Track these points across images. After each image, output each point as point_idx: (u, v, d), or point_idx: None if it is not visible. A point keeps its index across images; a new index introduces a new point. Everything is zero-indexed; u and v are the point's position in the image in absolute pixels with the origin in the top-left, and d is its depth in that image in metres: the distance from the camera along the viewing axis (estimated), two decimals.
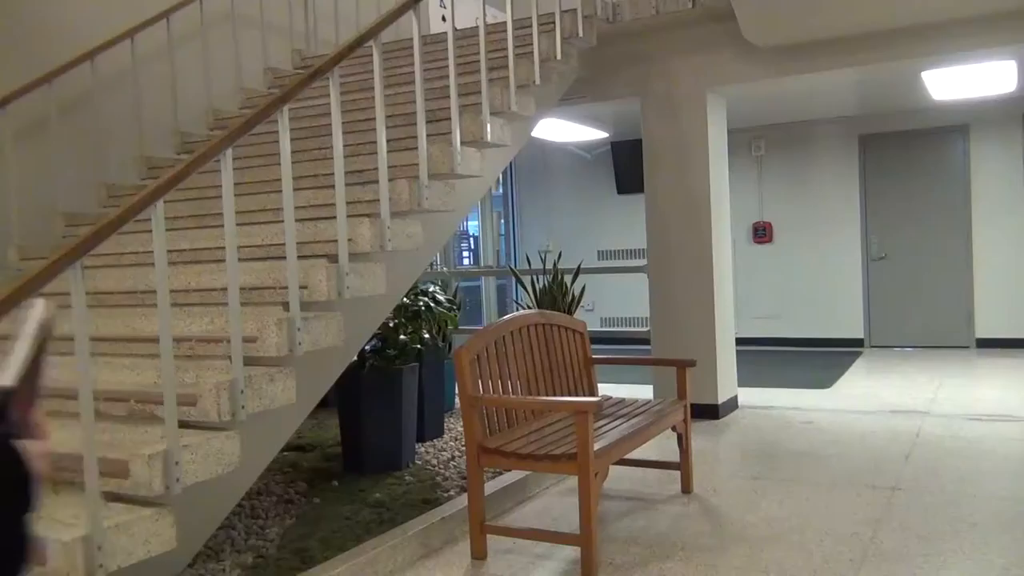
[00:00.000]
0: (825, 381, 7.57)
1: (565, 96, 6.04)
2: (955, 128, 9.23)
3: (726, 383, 6.48)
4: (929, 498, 4.21)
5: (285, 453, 5.14)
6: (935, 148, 9.38)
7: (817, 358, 9.06)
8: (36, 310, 1.56)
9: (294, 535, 3.72)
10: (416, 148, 3.93)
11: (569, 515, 4.17)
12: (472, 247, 11.15)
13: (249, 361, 3.11)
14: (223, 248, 3.28)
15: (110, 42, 5.02)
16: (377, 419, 4.72)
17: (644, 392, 6.93)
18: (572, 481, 4.65)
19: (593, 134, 9.57)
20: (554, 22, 5.09)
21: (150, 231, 2.81)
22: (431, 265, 8.32)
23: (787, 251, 9.91)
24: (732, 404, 6.58)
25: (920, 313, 9.48)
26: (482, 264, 10.91)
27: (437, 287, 5.97)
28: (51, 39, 5.01)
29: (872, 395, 6.96)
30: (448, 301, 5.83)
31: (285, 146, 3.23)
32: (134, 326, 3.74)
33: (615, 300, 10.68)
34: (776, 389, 7.28)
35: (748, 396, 6.95)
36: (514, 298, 10.61)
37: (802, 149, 9.95)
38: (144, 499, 2.73)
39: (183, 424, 2.91)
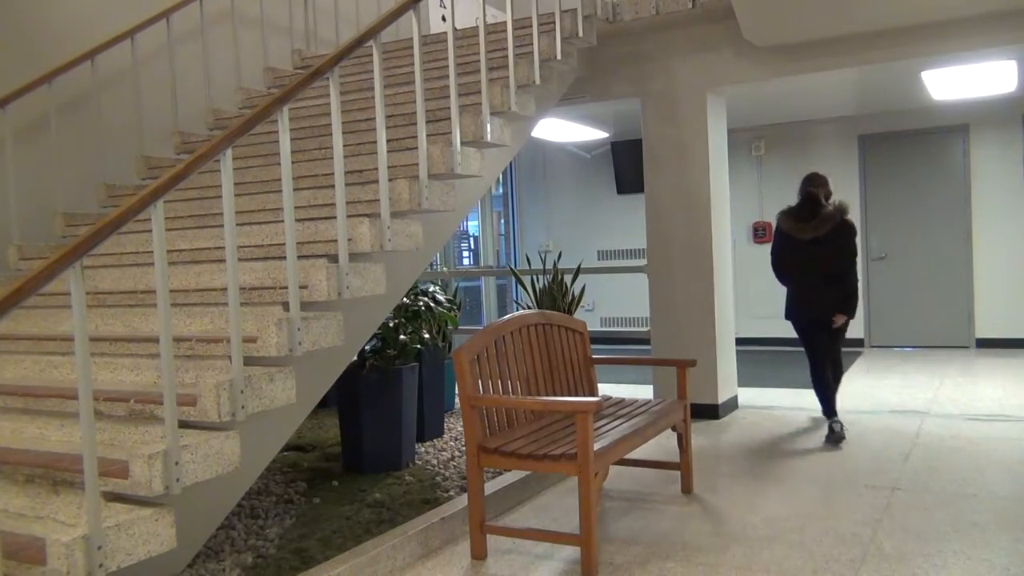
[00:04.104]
0: None
1: (565, 96, 6.05)
2: (955, 128, 9.23)
3: (726, 383, 6.48)
4: (929, 498, 4.21)
5: (285, 453, 5.14)
6: (935, 148, 9.38)
7: None
8: None
9: (294, 535, 3.72)
10: (416, 148, 3.93)
11: (569, 515, 4.17)
12: (472, 247, 11.16)
13: (249, 361, 3.12)
14: (223, 248, 3.29)
15: (110, 42, 5.02)
16: (377, 419, 4.72)
17: (644, 392, 6.94)
18: (572, 481, 4.65)
19: (593, 134, 9.57)
20: (554, 22, 5.10)
21: (150, 231, 2.81)
22: (431, 265, 8.32)
23: None
24: (732, 404, 6.59)
25: (920, 313, 9.48)
26: (482, 264, 10.92)
27: (437, 287, 5.98)
28: (51, 39, 5.02)
29: (872, 395, 6.96)
30: (448, 301, 5.83)
31: (285, 146, 3.23)
32: (134, 326, 3.74)
33: (615, 300, 10.68)
34: (776, 389, 7.28)
35: (748, 396, 6.95)
36: (514, 298, 10.62)
37: (802, 149, 9.94)
38: (144, 499, 2.73)
39: (183, 424, 2.91)
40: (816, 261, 5.52)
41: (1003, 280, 9.09)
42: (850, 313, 5.60)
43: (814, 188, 5.73)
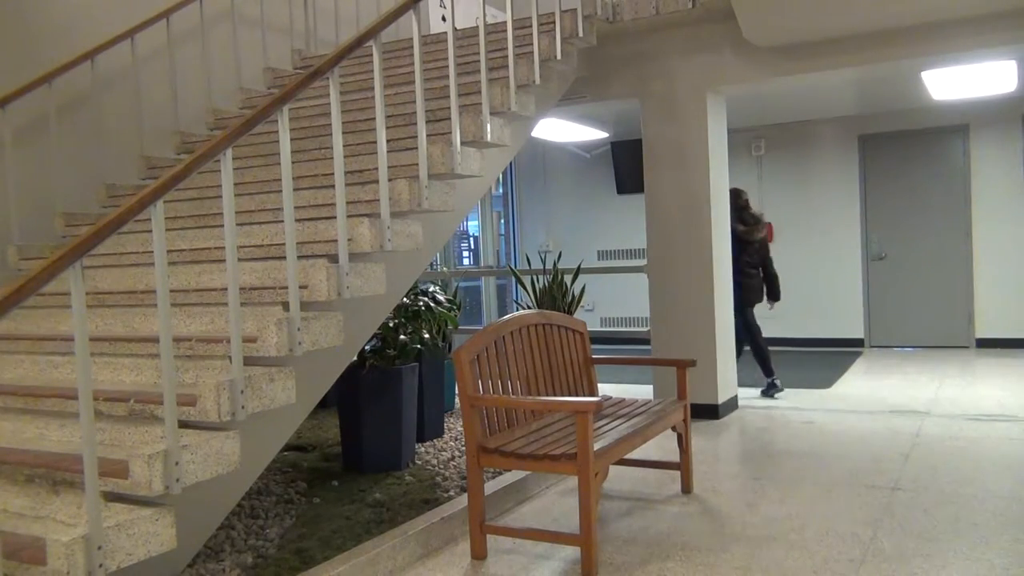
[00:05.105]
0: (825, 381, 7.57)
1: (565, 96, 6.05)
2: (955, 128, 9.23)
3: (726, 383, 6.48)
4: (929, 498, 4.21)
5: (285, 453, 5.14)
6: (935, 148, 9.38)
7: (817, 358, 9.06)
8: None
9: (294, 535, 3.72)
10: (416, 148, 3.93)
11: (569, 515, 4.17)
12: (472, 247, 11.15)
13: (249, 361, 3.12)
14: (223, 248, 3.28)
15: (110, 42, 5.02)
16: (377, 419, 4.72)
17: (644, 392, 6.94)
18: (572, 481, 4.66)
19: (593, 134, 9.57)
20: (554, 22, 5.10)
21: (150, 231, 2.81)
22: (431, 265, 8.32)
23: (787, 251, 9.90)
24: (732, 404, 6.59)
25: (920, 313, 9.48)
26: (482, 264, 10.92)
27: (437, 287, 5.98)
28: (51, 39, 5.02)
29: (872, 395, 6.96)
30: (448, 301, 5.83)
31: (285, 146, 3.23)
32: (134, 326, 3.74)
33: (615, 300, 10.68)
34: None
35: (748, 396, 6.95)
36: (514, 298, 10.62)
37: (802, 149, 9.95)
38: (144, 499, 2.73)
39: (183, 424, 2.91)
40: (757, 255, 7.11)
41: (1003, 280, 9.10)
42: (779, 297, 7.26)
43: (743, 200, 7.18)
